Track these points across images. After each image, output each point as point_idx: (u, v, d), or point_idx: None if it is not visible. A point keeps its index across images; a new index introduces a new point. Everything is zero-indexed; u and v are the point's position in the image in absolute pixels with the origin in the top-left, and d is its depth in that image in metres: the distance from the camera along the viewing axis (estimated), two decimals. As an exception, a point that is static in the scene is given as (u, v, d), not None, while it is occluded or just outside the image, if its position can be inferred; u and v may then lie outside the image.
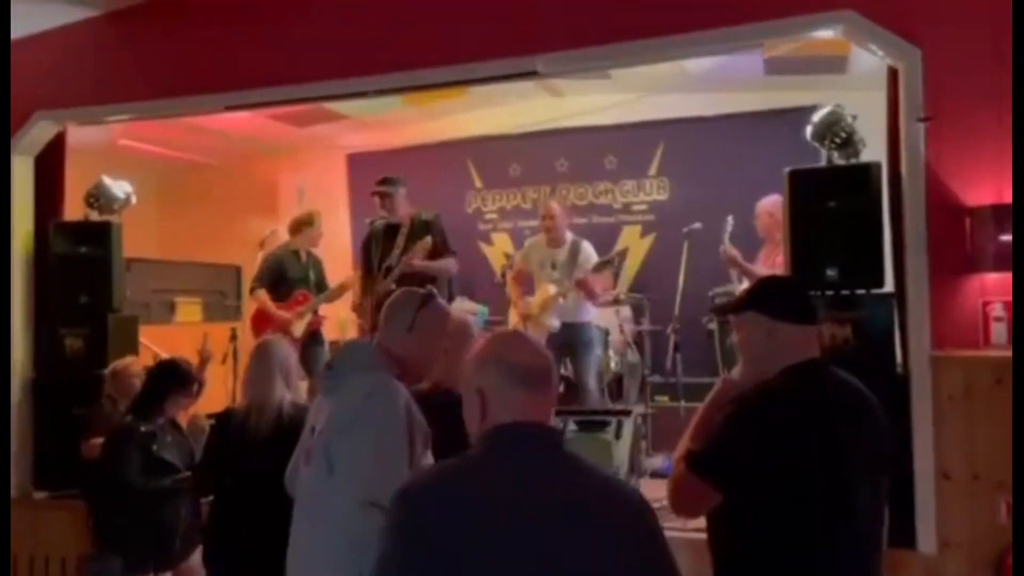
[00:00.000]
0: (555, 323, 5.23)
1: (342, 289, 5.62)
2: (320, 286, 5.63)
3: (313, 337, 5.54)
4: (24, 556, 4.45)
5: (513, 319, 5.48)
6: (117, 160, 6.09)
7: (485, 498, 1.37)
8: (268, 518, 2.52)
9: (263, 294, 5.48)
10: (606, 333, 5.75)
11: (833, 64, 5.06)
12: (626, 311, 6.16)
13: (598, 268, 5.18)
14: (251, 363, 3.14)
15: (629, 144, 6.57)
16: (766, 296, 2.01)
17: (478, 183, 7.03)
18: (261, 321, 5.53)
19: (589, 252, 5.36)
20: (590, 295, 5.22)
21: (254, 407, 3.02)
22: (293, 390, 3.09)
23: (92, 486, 3.77)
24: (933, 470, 3.27)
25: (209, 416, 3.87)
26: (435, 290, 2.32)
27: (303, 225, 5.64)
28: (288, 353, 3.18)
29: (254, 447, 2.95)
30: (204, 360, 4.27)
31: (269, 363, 3.06)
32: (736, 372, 2.05)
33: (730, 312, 2.10)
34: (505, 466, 1.42)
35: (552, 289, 5.25)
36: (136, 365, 4.04)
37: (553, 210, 5.46)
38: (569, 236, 5.46)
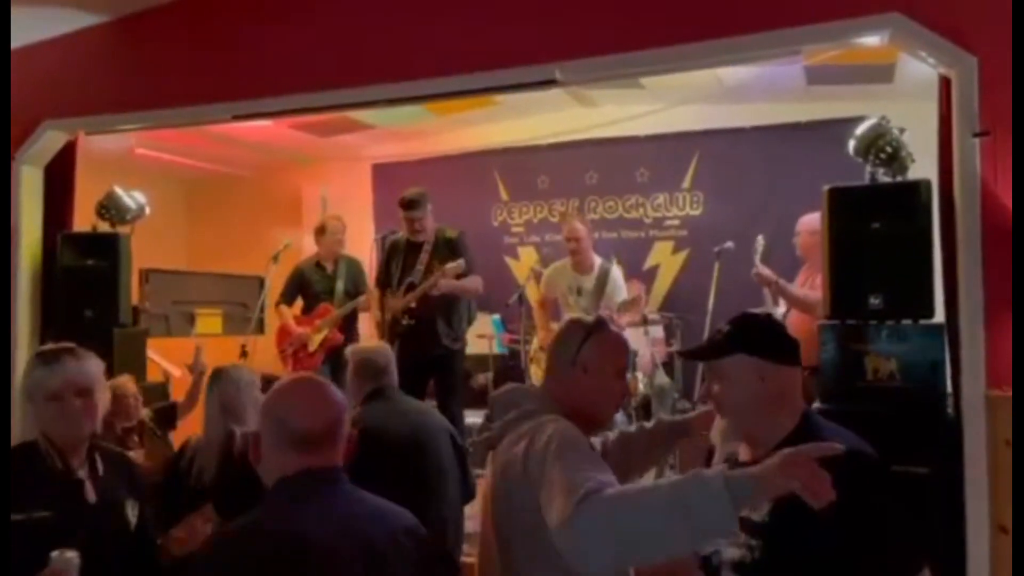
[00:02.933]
0: None
1: (360, 308, 5.43)
2: (350, 295, 5.45)
3: (335, 355, 5.25)
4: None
5: (535, 345, 5.25)
6: (142, 171, 6.03)
7: None
8: None
9: (284, 309, 5.51)
10: (634, 354, 5.47)
11: (880, 73, 4.73)
12: (658, 331, 5.87)
13: (623, 307, 4.88)
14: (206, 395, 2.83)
15: (662, 156, 6.28)
16: (755, 334, 1.68)
17: (504, 195, 6.80)
18: (281, 337, 5.53)
19: (618, 283, 5.07)
20: None
21: (200, 449, 2.69)
22: (246, 424, 2.68)
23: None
24: (988, 523, 2.95)
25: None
26: (604, 317, 2.04)
27: (317, 234, 5.60)
28: (240, 382, 2.83)
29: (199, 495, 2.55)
30: (199, 375, 4.03)
31: (213, 395, 2.75)
32: (715, 432, 1.75)
33: (709, 357, 1.72)
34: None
35: None
36: (131, 384, 3.81)
37: (578, 231, 5.09)
38: (597, 261, 5.14)
